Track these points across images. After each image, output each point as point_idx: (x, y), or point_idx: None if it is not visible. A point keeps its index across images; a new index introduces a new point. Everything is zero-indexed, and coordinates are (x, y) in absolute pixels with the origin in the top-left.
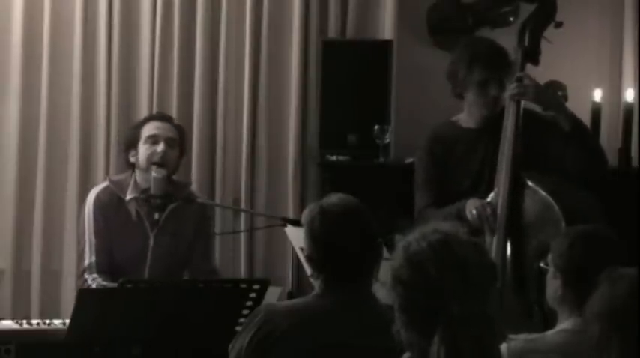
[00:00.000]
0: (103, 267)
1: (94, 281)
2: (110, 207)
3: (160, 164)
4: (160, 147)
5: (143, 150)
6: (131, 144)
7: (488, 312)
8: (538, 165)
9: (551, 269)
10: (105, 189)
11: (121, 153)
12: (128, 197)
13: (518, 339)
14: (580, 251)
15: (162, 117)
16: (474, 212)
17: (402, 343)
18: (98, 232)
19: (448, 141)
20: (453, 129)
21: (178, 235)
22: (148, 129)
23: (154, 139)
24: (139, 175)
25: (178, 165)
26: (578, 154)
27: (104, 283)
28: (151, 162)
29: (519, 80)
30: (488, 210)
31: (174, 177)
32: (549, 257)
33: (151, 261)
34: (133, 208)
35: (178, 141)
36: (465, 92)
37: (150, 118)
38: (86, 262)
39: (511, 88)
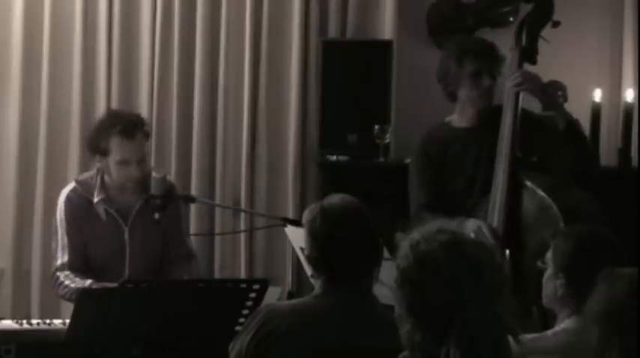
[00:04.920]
0: (77, 265)
1: (66, 277)
2: (80, 209)
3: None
4: (134, 172)
5: (115, 170)
6: (98, 151)
7: (502, 315)
8: (533, 165)
9: (550, 269)
10: (74, 190)
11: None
12: (96, 199)
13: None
14: (584, 251)
15: (127, 131)
16: (473, 236)
17: (403, 343)
18: (70, 233)
19: (442, 142)
20: (446, 130)
21: (151, 229)
22: (118, 151)
23: (125, 163)
24: (107, 178)
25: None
26: (571, 155)
27: (77, 279)
28: (125, 183)
29: (523, 74)
30: (487, 234)
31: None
32: (548, 256)
33: (130, 258)
34: (101, 210)
35: (145, 146)
36: (457, 89)
37: (116, 129)
38: (59, 262)
39: (514, 77)
